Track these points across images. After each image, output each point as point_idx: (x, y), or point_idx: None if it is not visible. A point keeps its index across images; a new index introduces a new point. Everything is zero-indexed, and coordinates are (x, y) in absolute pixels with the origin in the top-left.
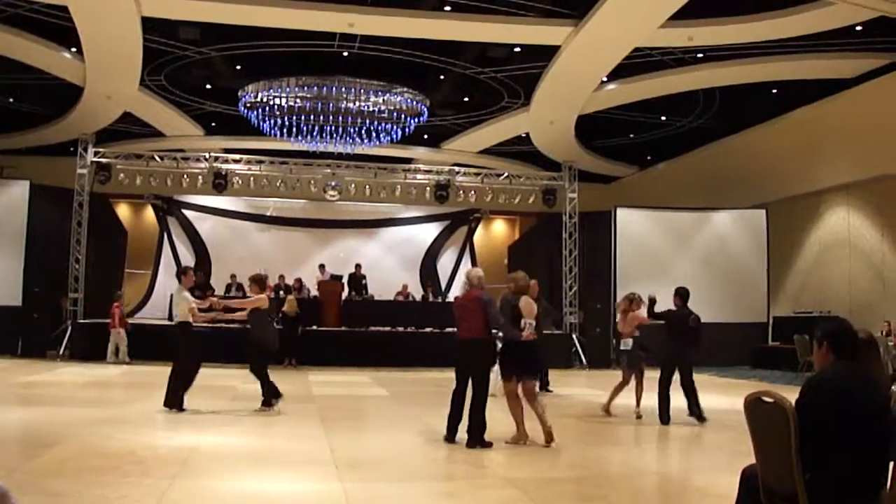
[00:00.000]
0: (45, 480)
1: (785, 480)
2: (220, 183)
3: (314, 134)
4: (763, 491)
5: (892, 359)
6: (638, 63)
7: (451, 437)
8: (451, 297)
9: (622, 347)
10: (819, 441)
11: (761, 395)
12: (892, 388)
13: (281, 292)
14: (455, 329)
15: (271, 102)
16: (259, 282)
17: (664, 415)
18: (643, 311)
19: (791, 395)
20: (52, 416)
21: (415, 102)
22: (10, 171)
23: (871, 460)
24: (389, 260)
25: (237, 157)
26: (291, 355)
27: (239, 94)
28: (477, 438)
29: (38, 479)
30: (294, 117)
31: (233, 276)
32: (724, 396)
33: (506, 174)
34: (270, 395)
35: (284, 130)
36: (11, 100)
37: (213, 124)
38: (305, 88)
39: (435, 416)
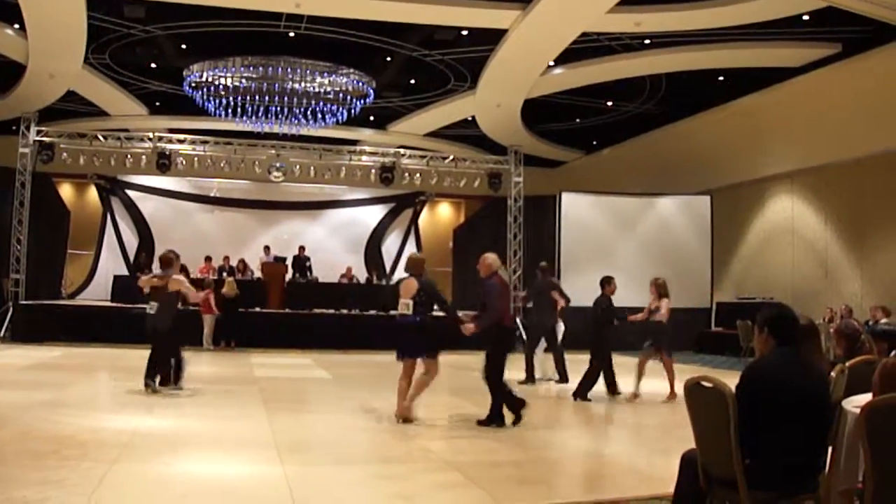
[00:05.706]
0: None
1: (724, 465)
2: (163, 163)
3: (259, 114)
4: (703, 475)
5: (832, 346)
6: (585, 48)
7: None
8: (394, 279)
9: None
10: (758, 427)
11: (701, 381)
12: (832, 374)
13: (224, 274)
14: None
15: (216, 82)
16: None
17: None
18: None
19: (732, 380)
20: None
21: (361, 84)
22: None
23: (810, 446)
24: (334, 242)
25: (181, 137)
26: (230, 338)
27: (184, 73)
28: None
29: None
30: (239, 97)
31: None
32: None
33: (451, 157)
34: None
35: (229, 110)
36: None
37: (158, 104)
38: (251, 69)
39: (377, 398)
